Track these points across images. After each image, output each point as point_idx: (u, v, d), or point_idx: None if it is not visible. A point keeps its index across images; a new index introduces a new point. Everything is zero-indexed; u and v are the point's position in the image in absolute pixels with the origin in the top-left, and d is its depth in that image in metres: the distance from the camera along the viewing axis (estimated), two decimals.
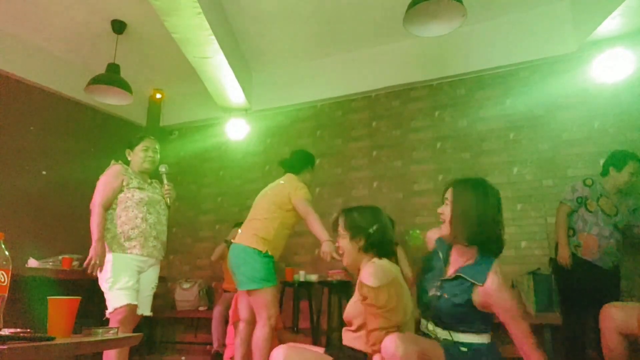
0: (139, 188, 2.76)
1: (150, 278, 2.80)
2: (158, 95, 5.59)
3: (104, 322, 2.59)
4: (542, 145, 4.08)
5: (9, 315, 1.55)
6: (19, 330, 1.37)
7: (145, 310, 2.76)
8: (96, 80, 4.05)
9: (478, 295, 1.70)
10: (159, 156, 2.95)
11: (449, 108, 4.51)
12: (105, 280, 2.59)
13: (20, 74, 4.39)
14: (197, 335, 5.12)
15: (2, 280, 1.40)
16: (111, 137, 5.22)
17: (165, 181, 2.91)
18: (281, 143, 5.20)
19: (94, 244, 2.56)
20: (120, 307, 2.54)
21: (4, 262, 1.43)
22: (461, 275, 1.75)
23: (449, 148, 4.43)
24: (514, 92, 4.26)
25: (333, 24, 4.32)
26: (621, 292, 3.31)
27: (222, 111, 5.03)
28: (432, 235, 2.02)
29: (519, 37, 4.15)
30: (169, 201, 2.90)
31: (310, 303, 4.43)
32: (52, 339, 1.35)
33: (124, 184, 2.73)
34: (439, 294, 1.79)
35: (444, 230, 1.83)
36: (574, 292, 3.25)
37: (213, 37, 3.70)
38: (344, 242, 1.97)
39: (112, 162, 2.85)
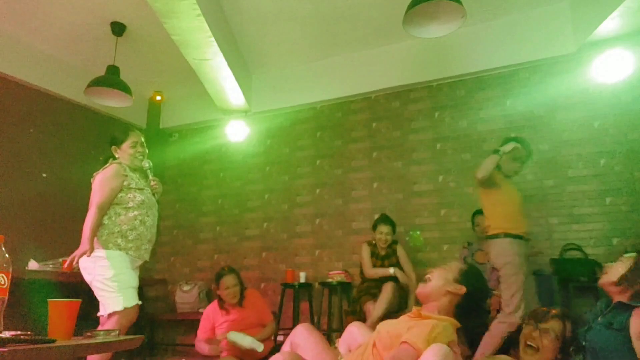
0: (139, 189, 2.73)
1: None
2: (158, 97, 5.59)
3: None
4: (542, 145, 4.08)
5: (10, 317, 1.54)
6: (19, 332, 1.37)
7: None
8: (96, 83, 4.05)
9: (635, 318, 1.70)
10: (147, 150, 2.90)
11: (449, 109, 4.51)
12: (106, 279, 2.51)
13: (19, 76, 4.39)
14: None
15: (3, 282, 1.40)
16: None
17: (150, 176, 2.83)
18: (281, 144, 5.20)
19: (84, 241, 2.47)
20: (131, 307, 2.51)
21: (4, 265, 1.43)
22: (620, 301, 1.79)
23: (449, 149, 4.43)
24: (514, 93, 4.26)
25: (333, 25, 4.32)
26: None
27: (222, 113, 5.03)
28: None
29: (519, 38, 4.15)
30: (156, 196, 2.85)
31: (311, 304, 4.43)
32: (53, 341, 1.35)
33: (125, 184, 2.69)
34: (593, 326, 1.82)
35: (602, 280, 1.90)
36: None
37: (213, 39, 3.70)
38: None
39: (111, 160, 2.79)
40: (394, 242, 4.02)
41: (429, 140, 4.53)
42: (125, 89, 4.12)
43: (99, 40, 4.37)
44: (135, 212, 2.68)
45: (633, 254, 1.92)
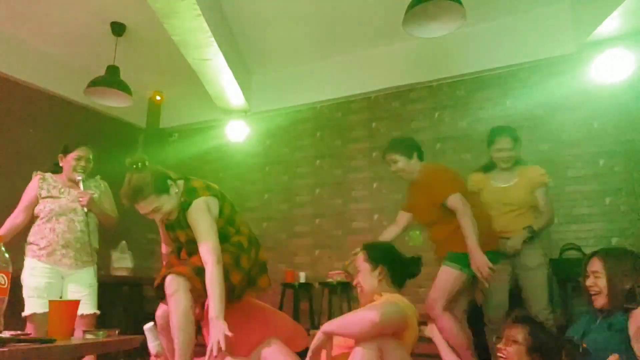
0: (51, 197, 2.81)
1: (81, 280, 2.81)
2: (158, 97, 5.58)
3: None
4: (542, 145, 4.08)
5: (10, 317, 1.55)
6: (19, 332, 1.37)
7: (86, 309, 2.71)
8: (96, 83, 4.05)
9: (632, 320, 1.70)
10: (91, 165, 2.94)
11: (449, 109, 4.51)
12: (24, 285, 2.69)
13: (19, 76, 4.39)
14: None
15: (3, 282, 1.40)
16: (111, 139, 5.21)
17: (80, 189, 2.84)
18: (281, 144, 5.20)
19: None
20: (29, 314, 2.62)
21: (5, 265, 1.43)
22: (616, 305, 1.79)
23: (449, 149, 4.43)
24: (514, 93, 4.26)
25: (332, 25, 4.32)
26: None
27: (222, 113, 5.03)
28: None
29: (519, 38, 4.16)
30: (85, 209, 2.82)
31: (311, 304, 4.43)
32: (53, 341, 1.35)
33: (39, 195, 2.82)
34: (591, 329, 1.84)
35: (600, 302, 1.89)
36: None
37: (212, 39, 3.70)
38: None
39: (34, 173, 2.92)
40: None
41: (429, 141, 4.52)
42: (125, 89, 4.12)
43: (99, 40, 4.37)
44: (45, 222, 2.78)
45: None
